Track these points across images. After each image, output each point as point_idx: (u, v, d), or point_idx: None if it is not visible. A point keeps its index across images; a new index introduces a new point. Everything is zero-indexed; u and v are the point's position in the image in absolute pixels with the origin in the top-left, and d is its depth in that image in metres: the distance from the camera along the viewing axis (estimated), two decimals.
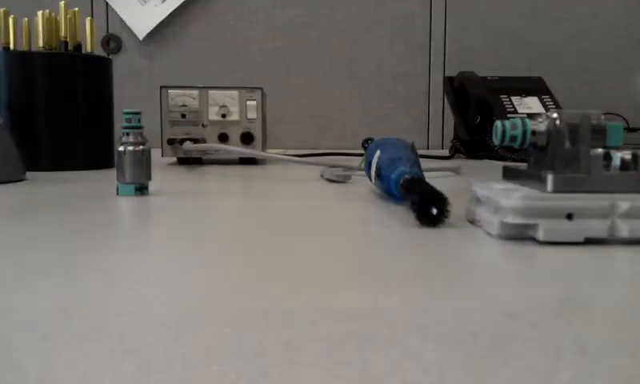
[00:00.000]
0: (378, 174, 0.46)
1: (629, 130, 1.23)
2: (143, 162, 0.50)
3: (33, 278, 0.24)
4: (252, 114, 0.87)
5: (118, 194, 0.50)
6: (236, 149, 0.84)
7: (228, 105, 0.87)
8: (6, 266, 0.26)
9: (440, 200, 0.36)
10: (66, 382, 0.15)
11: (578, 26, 1.55)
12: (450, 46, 1.54)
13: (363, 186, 0.60)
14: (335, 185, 0.60)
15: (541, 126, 0.34)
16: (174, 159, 0.89)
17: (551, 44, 1.55)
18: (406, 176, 0.41)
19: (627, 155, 0.32)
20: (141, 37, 1.48)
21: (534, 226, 0.31)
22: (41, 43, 0.75)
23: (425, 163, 0.48)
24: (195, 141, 0.85)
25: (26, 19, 0.77)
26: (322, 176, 0.68)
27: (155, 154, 1.08)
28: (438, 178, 0.68)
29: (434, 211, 0.36)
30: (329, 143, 1.55)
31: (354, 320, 0.19)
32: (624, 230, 0.31)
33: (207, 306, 0.21)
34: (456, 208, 0.43)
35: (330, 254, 0.29)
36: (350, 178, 0.66)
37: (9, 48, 0.75)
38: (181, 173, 0.75)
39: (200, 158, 0.88)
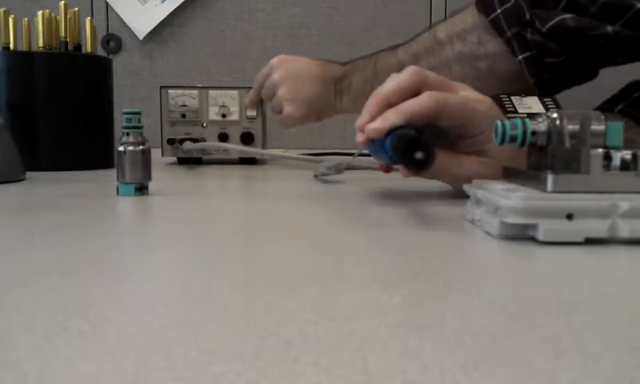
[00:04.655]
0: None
1: None
2: (143, 162, 0.50)
3: (33, 277, 0.24)
4: (252, 114, 0.87)
5: (118, 194, 0.50)
6: (236, 147, 0.84)
7: (228, 105, 0.87)
8: (6, 266, 0.26)
9: (423, 146, 0.36)
10: (65, 382, 0.15)
11: None
12: None
13: (360, 185, 0.60)
14: (334, 185, 0.60)
15: (541, 125, 0.34)
16: (174, 159, 0.89)
17: None
18: (399, 134, 0.41)
19: (627, 155, 0.32)
20: (141, 37, 1.48)
21: (534, 226, 0.31)
22: (41, 43, 0.75)
23: None
24: (195, 141, 0.84)
25: (26, 19, 0.77)
26: (315, 176, 0.67)
27: (155, 153, 1.08)
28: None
29: (419, 155, 0.36)
30: (329, 143, 1.55)
31: (354, 320, 0.19)
32: (624, 230, 0.31)
33: (207, 306, 0.21)
34: (456, 208, 0.43)
35: (330, 254, 0.29)
36: (342, 171, 0.65)
37: (9, 48, 0.75)
38: (181, 173, 0.75)
39: (200, 158, 0.88)
